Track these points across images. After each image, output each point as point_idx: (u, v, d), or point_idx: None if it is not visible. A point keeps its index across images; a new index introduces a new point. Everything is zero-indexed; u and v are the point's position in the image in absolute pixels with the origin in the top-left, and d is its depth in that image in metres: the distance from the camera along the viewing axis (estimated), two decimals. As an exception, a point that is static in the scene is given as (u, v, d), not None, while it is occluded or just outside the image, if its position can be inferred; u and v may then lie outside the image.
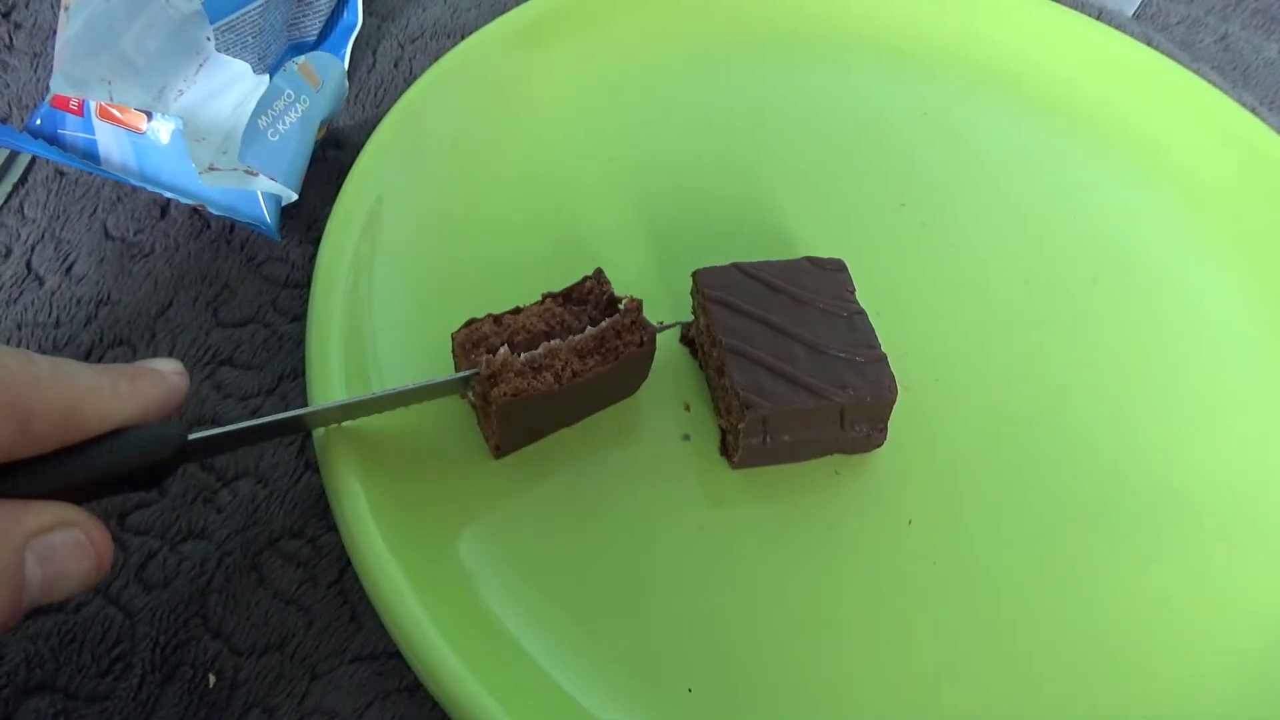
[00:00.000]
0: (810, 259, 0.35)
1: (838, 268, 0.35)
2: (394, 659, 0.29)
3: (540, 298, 0.32)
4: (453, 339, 0.31)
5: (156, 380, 0.25)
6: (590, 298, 0.32)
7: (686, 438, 0.34)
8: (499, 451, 0.31)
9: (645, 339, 0.31)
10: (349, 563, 0.30)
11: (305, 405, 0.32)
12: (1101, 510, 0.34)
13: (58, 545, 0.22)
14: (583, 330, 0.31)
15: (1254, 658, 0.32)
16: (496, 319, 0.31)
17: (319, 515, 0.31)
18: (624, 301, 0.32)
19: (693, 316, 0.35)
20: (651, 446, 0.33)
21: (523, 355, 0.30)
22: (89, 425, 0.23)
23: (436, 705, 0.28)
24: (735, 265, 0.34)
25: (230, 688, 0.28)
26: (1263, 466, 0.36)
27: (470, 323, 0.31)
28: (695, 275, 0.34)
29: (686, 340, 0.36)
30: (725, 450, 0.33)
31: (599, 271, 0.32)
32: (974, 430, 0.36)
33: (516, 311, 0.31)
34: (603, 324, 0.31)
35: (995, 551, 0.33)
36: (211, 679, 0.28)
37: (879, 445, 0.34)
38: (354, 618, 0.30)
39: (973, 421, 0.36)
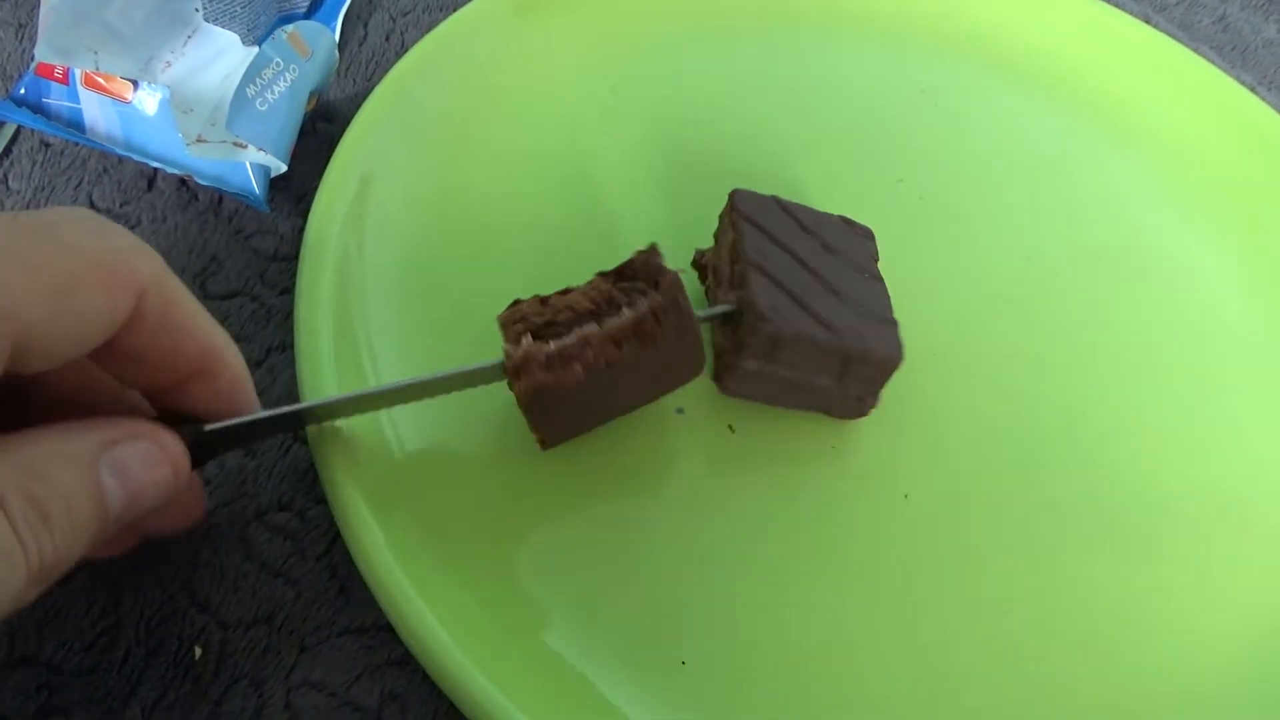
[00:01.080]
0: (844, 218, 0.35)
1: (867, 235, 0.34)
2: (383, 631, 0.29)
3: (593, 276, 0.29)
4: (498, 320, 0.29)
5: None
6: (642, 273, 0.29)
7: (680, 411, 0.33)
8: (544, 445, 0.30)
9: (684, 322, 0.28)
10: (337, 535, 0.30)
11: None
12: (1096, 486, 0.34)
13: (130, 457, 0.22)
14: (633, 308, 0.28)
15: (1246, 633, 0.32)
16: (543, 300, 0.28)
17: (307, 488, 0.31)
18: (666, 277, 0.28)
19: (713, 241, 0.34)
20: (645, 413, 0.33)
21: (552, 344, 0.27)
22: (184, 322, 0.23)
23: (426, 677, 0.28)
24: (774, 198, 0.33)
25: (217, 660, 0.27)
26: (1258, 444, 0.36)
27: (515, 303, 0.29)
28: (733, 195, 0.33)
29: (699, 265, 0.35)
30: (717, 373, 0.32)
31: (653, 246, 0.29)
32: (970, 404, 0.35)
33: (565, 292, 0.29)
34: (641, 307, 0.28)
35: (991, 525, 0.33)
36: (197, 651, 0.27)
37: (866, 414, 0.33)
38: (343, 590, 0.29)
39: (969, 395, 0.35)
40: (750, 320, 0.30)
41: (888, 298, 0.33)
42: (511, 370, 0.27)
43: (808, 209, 0.34)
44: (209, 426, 0.25)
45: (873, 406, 0.33)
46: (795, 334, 0.30)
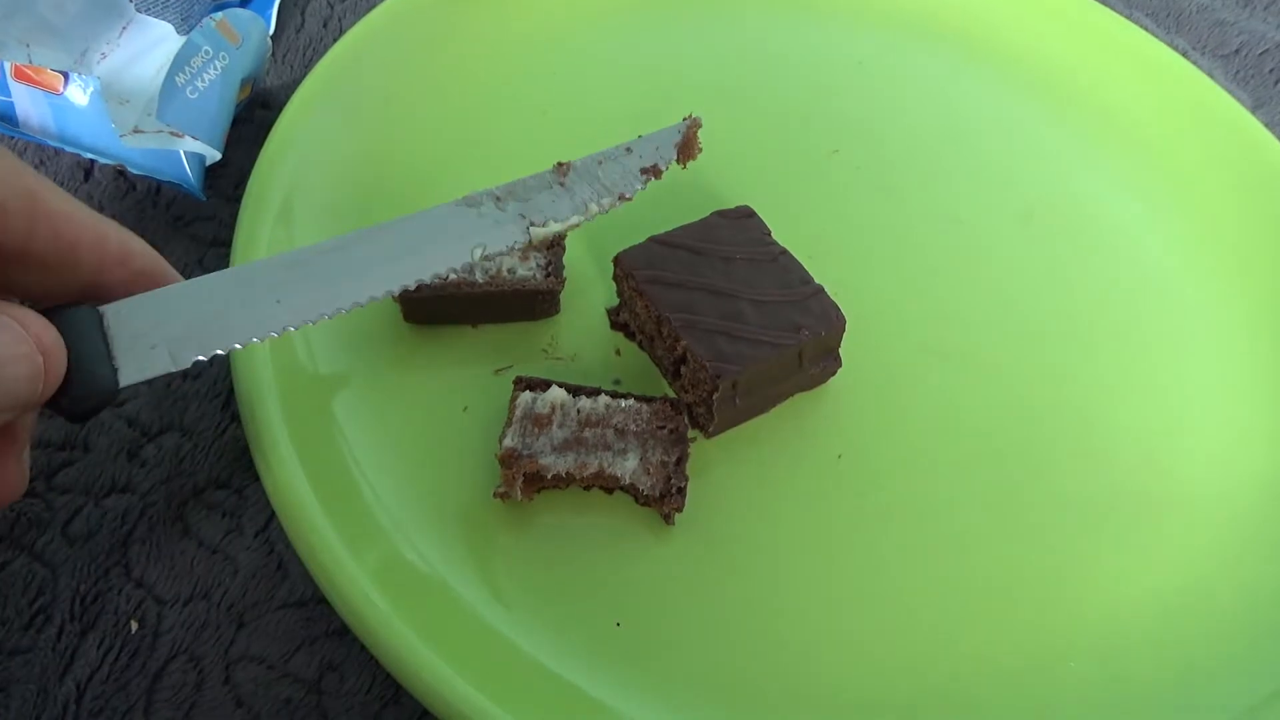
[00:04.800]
0: (719, 213, 0.35)
1: (747, 214, 0.35)
2: (321, 604, 0.29)
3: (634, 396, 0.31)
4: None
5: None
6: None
7: (617, 382, 0.34)
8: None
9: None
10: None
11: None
12: (1025, 443, 0.35)
13: None
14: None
15: (1171, 585, 0.32)
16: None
17: (245, 466, 0.31)
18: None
19: (619, 299, 0.35)
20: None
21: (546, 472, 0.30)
22: (57, 210, 0.22)
23: (363, 647, 0.28)
24: (653, 239, 0.34)
25: (154, 636, 0.28)
26: (1183, 397, 0.37)
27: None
28: (618, 260, 0.33)
29: (619, 326, 0.35)
30: (696, 422, 0.33)
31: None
32: (903, 366, 0.36)
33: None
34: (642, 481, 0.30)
35: (922, 484, 0.33)
36: (134, 625, 0.28)
37: (834, 374, 0.34)
38: (281, 565, 0.30)
39: (902, 357, 0.36)
40: (703, 378, 0.31)
41: (799, 265, 0.33)
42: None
43: (685, 228, 0.34)
44: (104, 308, 0.24)
45: (839, 365, 0.34)
46: (747, 368, 0.31)
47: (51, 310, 0.23)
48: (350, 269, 0.27)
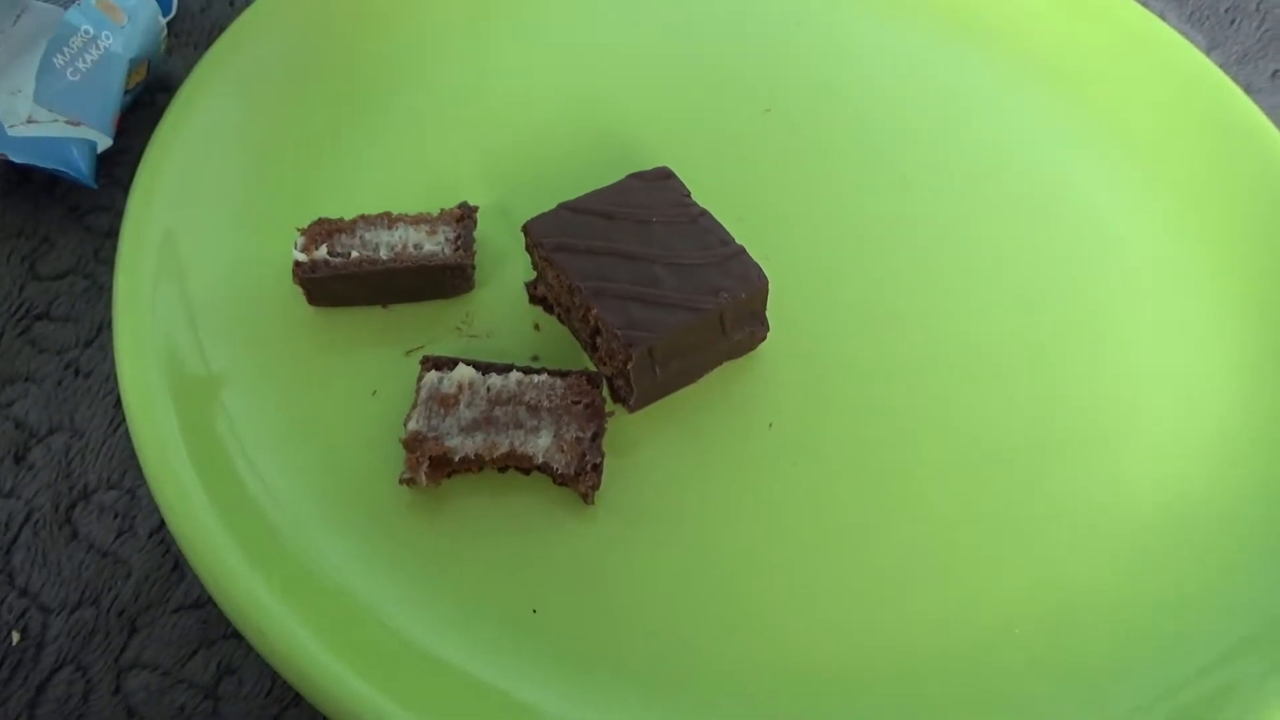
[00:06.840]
0: (636, 175, 0.33)
1: (665, 175, 0.33)
2: (218, 606, 0.27)
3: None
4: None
5: None
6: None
7: (535, 358, 0.32)
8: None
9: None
10: (170, 510, 0.29)
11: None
12: (964, 402, 0.33)
13: None
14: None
15: (1121, 550, 0.30)
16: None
17: (138, 466, 0.30)
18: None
19: (535, 272, 0.33)
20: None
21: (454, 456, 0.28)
22: None
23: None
24: (563, 206, 0.32)
25: (38, 646, 0.26)
26: (1137, 353, 0.35)
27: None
28: (526, 228, 0.31)
29: (538, 299, 0.33)
30: (617, 396, 0.31)
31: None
32: (836, 329, 0.34)
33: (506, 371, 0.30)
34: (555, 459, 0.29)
35: (857, 449, 0.32)
36: (15, 636, 0.26)
37: (763, 339, 0.33)
38: (176, 566, 0.28)
39: (836, 321, 0.34)
40: (617, 348, 0.29)
41: (720, 226, 0.32)
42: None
43: (598, 193, 0.32)
44: None
45: (767, 331, 0.32)
46: (662, 334, 0.29)
47: None
48: None
